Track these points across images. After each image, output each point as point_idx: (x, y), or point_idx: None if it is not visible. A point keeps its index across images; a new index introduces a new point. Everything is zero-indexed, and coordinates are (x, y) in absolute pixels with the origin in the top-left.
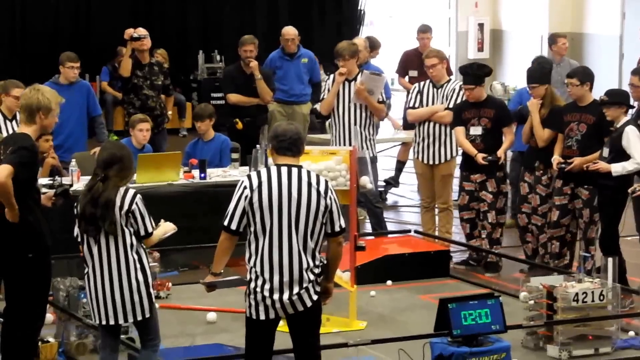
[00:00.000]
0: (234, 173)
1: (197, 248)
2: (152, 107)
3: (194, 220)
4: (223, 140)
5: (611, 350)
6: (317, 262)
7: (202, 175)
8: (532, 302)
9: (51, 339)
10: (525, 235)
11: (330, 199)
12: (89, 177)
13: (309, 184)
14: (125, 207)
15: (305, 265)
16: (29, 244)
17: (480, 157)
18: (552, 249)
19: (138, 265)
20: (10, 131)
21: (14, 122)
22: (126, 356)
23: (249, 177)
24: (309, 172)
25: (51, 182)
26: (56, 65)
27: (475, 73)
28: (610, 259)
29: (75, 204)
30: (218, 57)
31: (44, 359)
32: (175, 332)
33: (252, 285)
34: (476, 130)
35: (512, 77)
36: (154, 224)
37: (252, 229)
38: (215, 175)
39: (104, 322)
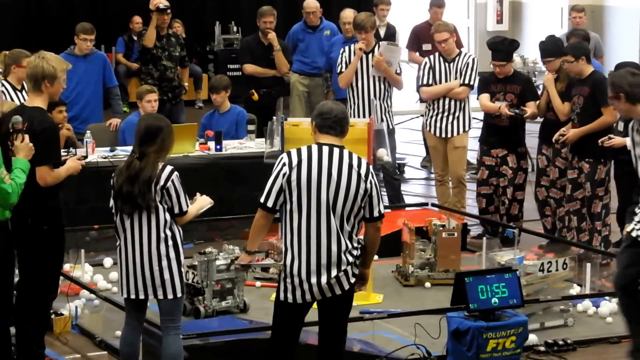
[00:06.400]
0: (249, 145)
1: (213, 220)
2: (170, 78)
3: (210, 192)
4: (239, 111)
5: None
6: (355, 244)
7: (218, 147)
8: None
9: (65, 312)
10: (544, 209)
11: (371, 183)
12: (103, 149)
13: (350, 166)
14: (161, 183)
15: (343, 247)
16: (45, 217)
17: (505, 107)
18: (569, 223)
19: (170, 242)
20: (22, 101)
21: (23, 92)
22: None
23: (288, 154)
24: (350, 154)
25: (65, 153)
26: (72, 35)
27: (507, 49)
28: (484, 238)
29: (113, 175)
30: (235, 28)
31: (58, 331)
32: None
33: (288, 269)
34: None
35: (531, 50)
36: (189, 202)
37: (288, 207)
38: (231, 147)
39: (132, 296)
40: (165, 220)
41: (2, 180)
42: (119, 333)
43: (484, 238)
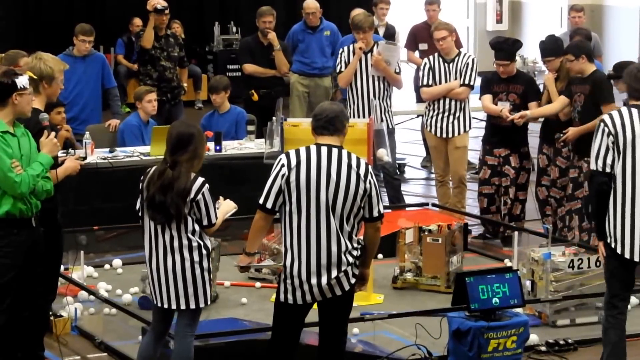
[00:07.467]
0: (249, 145)
1: None
2: (169, 79)
3: (209, 193)
4: (239, 112)
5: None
6: (355, 245)
7: (218, 147)
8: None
9: (64, 314)
10: (544, 208)
11: (370, 183)
12: (102, 150)
13: (349, 166)
14: (191, 195)
15: (343, 248)
16: (42, 218)
17: (506, 111)
18: (570, 223)
19: (204, 252)
20: None
21: None
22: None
23: (287, 155)
24: (349, 154)
25: (64, 154)
26: (71, 36)
27: (510, 49)
28: (515, 233)
29: (142, 179)
30: (234, 29)
31: (57, 333)
32: None
33: (288, 270)
34: (504, 105)
35: (531, 49)
36: (217, 214)
37: (287, 208)
38: (231, 147)
39: (165, 306)
40: (194, 230)
41: (10, 169)
42: (141, 339)
43: (515, 233)
